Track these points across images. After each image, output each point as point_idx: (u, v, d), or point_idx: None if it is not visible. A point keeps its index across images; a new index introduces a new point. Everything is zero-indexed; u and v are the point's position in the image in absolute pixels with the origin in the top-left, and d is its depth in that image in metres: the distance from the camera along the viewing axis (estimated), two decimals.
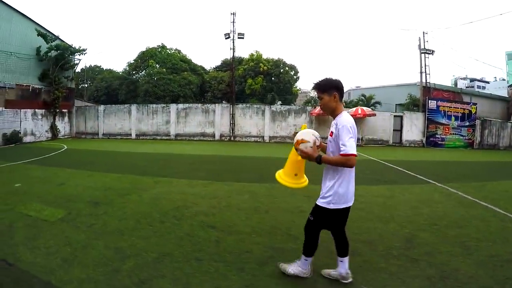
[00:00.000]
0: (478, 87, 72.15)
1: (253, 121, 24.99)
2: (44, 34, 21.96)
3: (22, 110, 21.18)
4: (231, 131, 24.76)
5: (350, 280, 3.22)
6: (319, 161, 2.87)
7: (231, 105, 25.27)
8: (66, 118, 25.34)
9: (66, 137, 24.99)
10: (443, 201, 7.03)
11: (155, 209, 5.89)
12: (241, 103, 27.20)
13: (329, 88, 2.96)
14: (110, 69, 46.64)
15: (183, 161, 13.31)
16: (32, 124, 22.00)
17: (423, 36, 26.29)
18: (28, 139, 21.46)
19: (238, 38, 26.10)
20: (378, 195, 7.39)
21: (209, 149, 18.80)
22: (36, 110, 22.36)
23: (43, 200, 6.44)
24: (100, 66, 46.71)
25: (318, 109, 23.34)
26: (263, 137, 24.73)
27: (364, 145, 22.74)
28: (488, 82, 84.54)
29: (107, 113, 25.99)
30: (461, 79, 77.53)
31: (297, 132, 3.17)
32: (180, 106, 25.69)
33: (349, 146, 2.72)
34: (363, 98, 32.71)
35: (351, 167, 2.84)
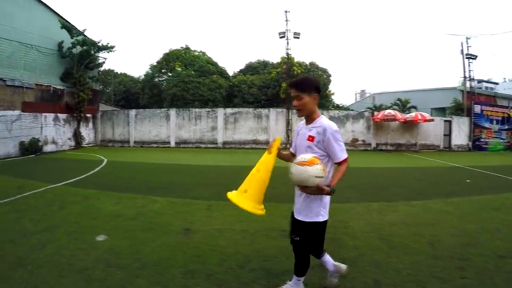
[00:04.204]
0: (486, 88, 70.36)
1: None
2: (69, 27, 18.86)
3: (42, 114, 17.78)
4: (288, 138, 21.37)
5: (344, 267, 3.14)
6: (333, 191, 2.54)
7: (286, 110, 22.34)
8: (90, 124, 21.92)
9: (90, 145, 21.59)
10: None
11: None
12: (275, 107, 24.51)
13: (310, 88, 2.69)
14: (124, 73, 43.24)
15: None
16: (53, 131, 18.59)
17: (466, 41, 26.15)
18: (49, 148, 18.07)
19: (294, 37, 24.18)
20: None
21: None
22: (58, 114, 18.97)
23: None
24: (114, 70, 43.12)
25: (381, 114, 21.45)
26: None
27: (418, 150, 22.00)
28: (497, 83, 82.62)
29: (139, 119, 22.62)
30: (469, 80, 75.82)
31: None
32: (229, 110, 22.65)
33: (344, 151, 2.63)
34: (398, 102, 31.99)
35: None
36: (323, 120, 2.71)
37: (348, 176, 8.48)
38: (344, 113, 23.13)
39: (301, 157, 2.55)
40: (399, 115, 21.54)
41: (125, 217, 5.45)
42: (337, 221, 5.33)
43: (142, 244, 4.21)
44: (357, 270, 3.59)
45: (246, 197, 2.69)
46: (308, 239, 2.78)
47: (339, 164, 2.61)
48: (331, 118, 21.64)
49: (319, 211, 2.70)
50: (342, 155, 2.60)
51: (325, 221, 2.76)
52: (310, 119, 2.78)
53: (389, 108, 27.70)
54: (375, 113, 23.01)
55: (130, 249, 4.04)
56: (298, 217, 2.77)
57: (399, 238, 4.62)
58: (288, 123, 21.89)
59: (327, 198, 2.74)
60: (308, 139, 2.71)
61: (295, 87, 2.74)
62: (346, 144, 14.95)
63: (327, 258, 3.08)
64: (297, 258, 2.90)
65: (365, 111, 25.45)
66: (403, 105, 31.15)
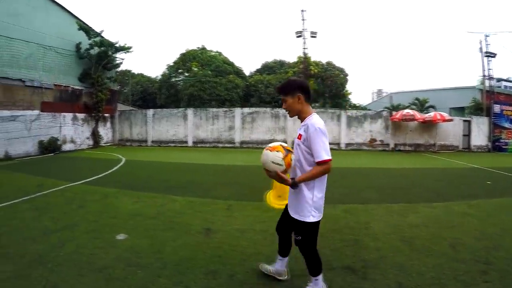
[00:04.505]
0: (506, 87, 68.39)
1: (328, 127, 21.17)
2: (87, 29, 19.12)
3: (61, 114, 18.09)
4: None
5: (286, 277, 3.23)
6: (294, 185, 2.63)
7: None
8: (108, 124, 22.16)
9: (108, 144, 21.85)
10: None
11: None
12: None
13: (292, 90, 2.77)
14: (141, 73, 43.59)
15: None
16: (72, 130, 18.87)
17: (485, 39, 25.36)
18: (67, 147, 18.34)
19: (311, 37, 24.42)
20: None
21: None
22: (77, 114, 19.26)
23: None
24: (131, 70, 43.52)
25: (399, 114, 21.01)
26: (338, 144, 21.30)
27: (437, 151, 21.33)
28: None
29: (157, 118, 22.72)
30: (488, 79, 74.50)
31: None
32: (246, 110, 22.43)
33: (324, 151, 2.55)
34: (416, 101, 31.25)
35: (327, 173, 2.63)
36: (311, 118, 2.72)
37: (367, 176, 8.59)
38: (362, 112, 22.66)
39: (271, 143, 2.70)
40: (418, 115, 21.03)
41: (144, 216, 5.44)
42: (358, 222, 5.26)
43: (162, 243, 4.18)
44: (379, 272, 3.52)
45: (271, 194, 3.22)
46: (306, 237, 2.83)
47: (318, 164, 2.58)
48: (349, 117, 21.50)
49: (310, 211, 2.71)
50: (322, 155, 2.55)
51: (317, 222, 2.77)
52: (301, 118, 2.82)
53: (407, 107, 27.16)
54: (393, 112, 22.51)
55: (151, 248, 4.02)
56: (291, 212, 2.84)
57: (421, 240, 4.53)
58: None
59: (321, 201, 2.76)
60: (298, 137, 2.78)
61: (279, 91, 2.88)
62: (363, 144, 14.70)
63: (286, 260, 3.23)
64: (305, 258, 2.92)
65: (383, 110, 24.81)
66: (421, 105, 30.43)
